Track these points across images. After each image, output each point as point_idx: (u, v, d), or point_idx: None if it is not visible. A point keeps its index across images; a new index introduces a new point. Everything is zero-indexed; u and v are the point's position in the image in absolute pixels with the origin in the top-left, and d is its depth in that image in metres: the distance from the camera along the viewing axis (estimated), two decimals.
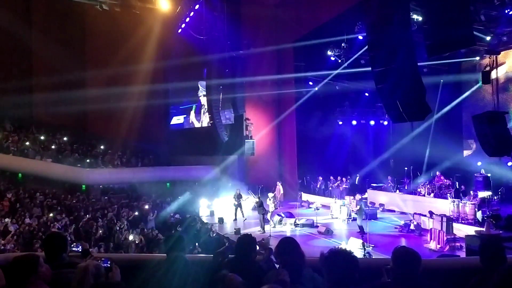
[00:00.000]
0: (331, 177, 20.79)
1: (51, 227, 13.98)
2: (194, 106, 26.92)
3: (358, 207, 13.90)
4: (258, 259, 3.86)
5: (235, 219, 16.94)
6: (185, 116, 28.33)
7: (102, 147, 27.55)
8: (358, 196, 14.44)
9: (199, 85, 25.87)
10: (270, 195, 16.72)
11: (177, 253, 3.63)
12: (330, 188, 20.39)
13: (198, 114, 26.63)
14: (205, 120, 25.65)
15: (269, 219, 15.41)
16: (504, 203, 14.74)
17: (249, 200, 18.29)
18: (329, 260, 2.59)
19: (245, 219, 16.91)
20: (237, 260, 3.66)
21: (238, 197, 17.10)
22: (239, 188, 17.95)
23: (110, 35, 26.18)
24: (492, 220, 12.23)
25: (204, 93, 24.46)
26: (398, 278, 2.69)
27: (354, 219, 15.03)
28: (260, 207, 15.08)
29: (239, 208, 17.02)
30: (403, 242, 12.29)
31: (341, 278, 2.50)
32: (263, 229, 14.54)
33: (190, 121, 27.43)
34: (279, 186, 19.20)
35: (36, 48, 27.47)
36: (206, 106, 24.41)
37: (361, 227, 13.29)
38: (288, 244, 3.32)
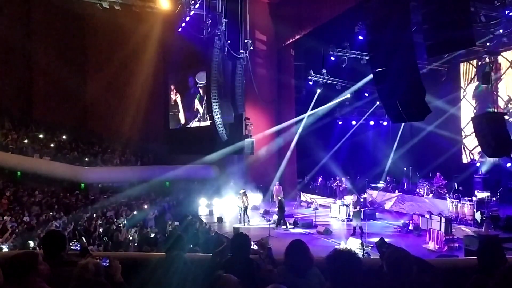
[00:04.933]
0: (337, 177, 20.76)
1: (50, 225, 13.97)
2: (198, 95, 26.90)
3: (358, 208, 13.86)
4: (257, 258, 3.87)
5: (244, 223, 15.87)
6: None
7: (101, 145, 27.55)
8: (354, 197, 14.38)
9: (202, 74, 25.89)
10: (241, 191, 16.38)
11: (177, 252, 3.64)
12: (335, 188, 20.35)
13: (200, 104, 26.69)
14: (200, 110, 25.84)
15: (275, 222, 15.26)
16: (502, 204, 14.74)
17: (255, 199, 18.12)
18: (333, 260, 2.60)
19: (249, 223, 15.91)
20: (234, 259, 3.67)
21: (243, 198, 16.18)
22: (244, 188, 17.21)
23: (110, 34, 26.18)
24: (490, 220, 12.27)
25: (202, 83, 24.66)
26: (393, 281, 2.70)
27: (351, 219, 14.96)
28: (281, 207, 15.12)
29: (244, 212, 16.06)
30: (401, 242, 12.28)
31: (344, 278, 2.51)
32: (285, 225, 14.85)
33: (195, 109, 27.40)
34: (278, 187, 19.09)
35: (36, 47, 27.45)
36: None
37: (361, 228, 13.27)
38: (297, 246, 3.35)
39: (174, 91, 28.56)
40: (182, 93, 28.08)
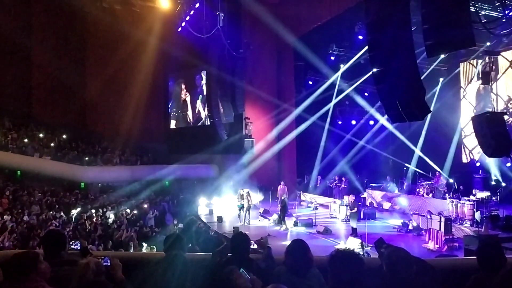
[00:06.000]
0: (336, 177, 20.80)
1: (50, 224, 13.98)
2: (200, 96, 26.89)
3: (356, 209, 13.83)
4: (257, 257, 3.87)
5: (245, 223, 15.79)
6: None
7: (101, 145, 27.56)
8: (352, 197, 14.36)
9: (202, 74, 25.97)
10: (245, 190, 16.27)
11: (176, 252, 3.63)
12: (334, 188, 20.38)
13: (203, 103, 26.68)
14: (202, 112, 25.90)
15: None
16: (502, 203, 14.77)
17: (254, 198, 18.09)
18: (335, 260, 2.61)
19: (249, 225, 15.71)
20: (234, 259, 3.68)
21: (247, 198, 16.02)
22: (244, 188, 17.03)
23: (110, 33, 26.16)
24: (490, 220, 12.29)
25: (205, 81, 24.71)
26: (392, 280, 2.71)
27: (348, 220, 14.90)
28: (284, 207, 15.22)
29: (247, 211, 15.91)
30: (401, 242, 12.28)
31: (346, 278, 2.52)
32: (285, 225, 14.91)
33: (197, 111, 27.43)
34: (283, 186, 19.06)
35: (36, 46, 27.44)
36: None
37: (355, 229, 13.26)
38: (298, 246, 3.34)
39: (185, 90, 28.45)
40: (191, 93, 28.06)
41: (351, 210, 13.95)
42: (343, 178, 20.27)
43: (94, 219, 15.47)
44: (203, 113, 26.06)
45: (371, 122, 22.79)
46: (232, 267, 2.79)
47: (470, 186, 16.57)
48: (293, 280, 3.06)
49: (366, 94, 21.85)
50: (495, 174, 16.91)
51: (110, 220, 15.87)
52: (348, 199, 14.69)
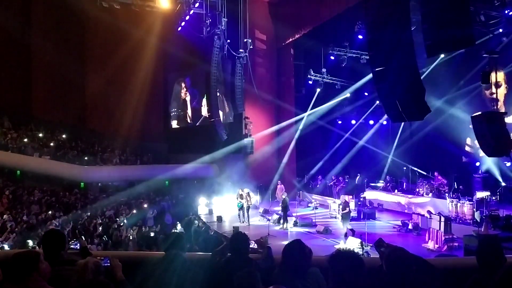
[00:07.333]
0: (333, 176, 20.79)
1: (49, 224, 13.98)
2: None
3: (347, 209, 13.76)
4: (256, 257, 3.87)
5: (244, 222, 15.91)
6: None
7: (101, 144, 27.56)
8: (346, 197, 14.29)
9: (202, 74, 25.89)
10: (245, 190, 16.29)
11: (176, 251, 3.63)
12: (333, 187, 20.37)
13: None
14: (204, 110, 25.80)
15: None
16: (502, 203, 14.77)
17: (254, 198, 18.09)
18: (335, 260, 2.60)
19: (248, 225, 15.76)
20: (233, 259, 3.67)
21: (247, 197, 16.06)
22: (247, 188, 17.01)
23: (110, 33, 26.16)
24: (490, 220, 12.28)
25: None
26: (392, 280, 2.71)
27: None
28: (286, 207, 15.27)
29: (247, 210, 15.96)
30: (401, 242, 12.28)
31: (346, 279, 2.51)
32: (286, 224, 15.01)
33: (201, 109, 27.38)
34: (280, 186, 19.08)
35: (36, 46, 27.43)
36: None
37: (352, 230, 13.23)
38: (294, 247, 3.34)
39: (185, 89, 28.43)
40: (191, 92, 28.01)
41: (342, 210, 13.92)
42: (340, 178, 20.28)
43: (94, 219, 15.47)
44: (204, 111, 26.03)
45: (371, 122, 22.78)
46: (250, 269, 2.79)
47: (470, 186, 16.56)
48: (292, 281, 3.06)
49: (366, 94, 21.84)
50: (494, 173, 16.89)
51: (110, 220, 15.88)
52: (348, 198, 14.66)
